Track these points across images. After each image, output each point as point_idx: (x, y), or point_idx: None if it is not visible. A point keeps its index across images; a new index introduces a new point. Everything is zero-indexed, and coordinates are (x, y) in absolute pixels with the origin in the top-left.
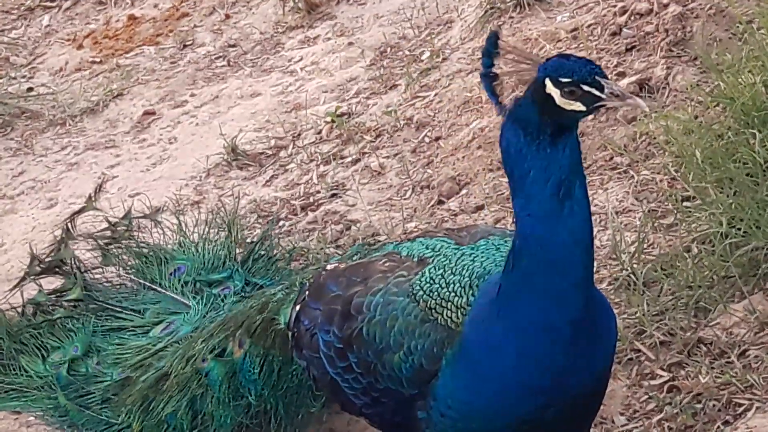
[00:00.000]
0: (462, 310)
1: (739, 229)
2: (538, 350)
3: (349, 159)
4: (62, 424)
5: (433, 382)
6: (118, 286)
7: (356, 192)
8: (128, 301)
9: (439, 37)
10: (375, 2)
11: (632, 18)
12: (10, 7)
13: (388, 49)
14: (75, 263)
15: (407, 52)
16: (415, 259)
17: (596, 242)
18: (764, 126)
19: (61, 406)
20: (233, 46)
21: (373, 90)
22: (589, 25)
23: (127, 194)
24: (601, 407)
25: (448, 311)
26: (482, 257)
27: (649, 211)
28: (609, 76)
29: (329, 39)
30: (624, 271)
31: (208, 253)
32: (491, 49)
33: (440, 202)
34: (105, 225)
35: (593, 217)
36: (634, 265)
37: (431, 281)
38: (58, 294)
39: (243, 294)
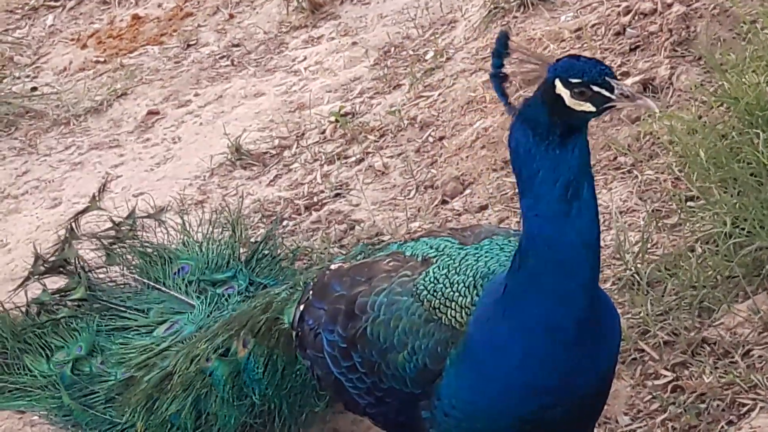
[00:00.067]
0: (466, 309)
1: (743, 229)
2: (543, 350)
3: (353, 159)
4: (66, 424)
5: (437, 381)
6: (122, 286)
7: (360, 192)
8: (132, 301)
9: (443, 37)
10: (379, 2)
11: (636, 18)
12: (15, 7)
13: (392, 49)
14: (79, 263)
15: (411, 52)
16: (419, 259)
17: (601, 242)
18: None
19: (65, 405)
20: (237, 45)
21: (377, 90)
22: (593, 25)
23: (131, 194)
24: (605, 407)
25: (453, 311)
26: (486, 257)
27: (652, 210)
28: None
29: (333, 39)
30: (628, 271)
31: (212, 252)
32: (501, 49)
33: (444, 202)
34: (109, 225)
35: None
36: (638, 265)
37: (435, 281)
38: (62, 293)
39: (247, 293)
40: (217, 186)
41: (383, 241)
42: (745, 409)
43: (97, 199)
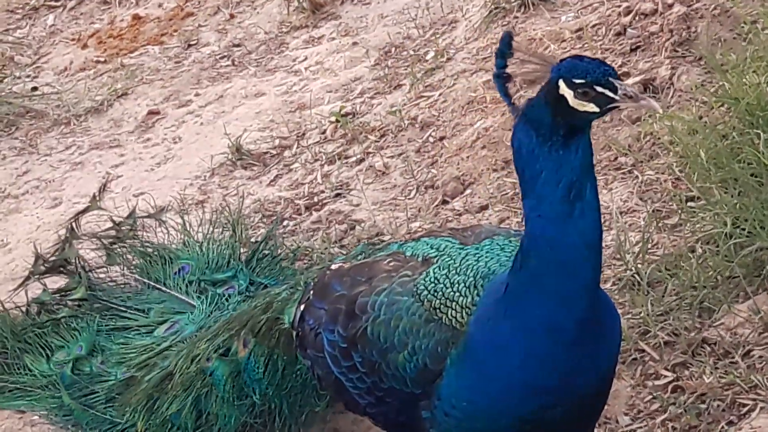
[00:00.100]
0: (467, 310)
1: (744, 230)
2: (543, 350)
3: (354, 159)
4: (66, 424)
5: (437, 381)
6: (123, 286)
7: (360, 192)
8: (132, 301)
9: (444, 37)
10: (379, 2)
11: (637, 18)
12: (15, 7)
13: (393, 49)
14: (79, 262)
15: (412, 52)
16: (420, 259)
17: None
18: None
19: (66, 405)
20: (238, 45)
21: (378, 90)
22: (594, 25)
23: (131, 194)
24: (606, 407)
25: (453, 311)
26: (487, 257)
27: (653, 211)
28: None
29: (334, 39)
30: (628, 272)
31: (213, 252)
32: (505, 49)
33: (444, 202)
34: (109, 224)
35: None
36: (639, 266)
37: (436, 281)
38: (63, 293)
39: (247, 293)
40: (217, 186)
41: (384, 241)
42: (746, 409)
43: (97, 198)
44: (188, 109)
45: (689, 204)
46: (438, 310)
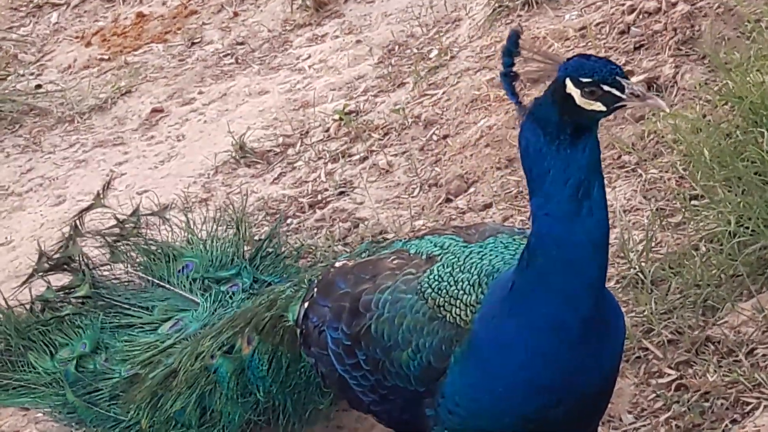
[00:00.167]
0: (471, 307)
1: (747, 228)
2: (548, 348)
3: (357, 157)
4: (70, 421)
5: (441, 379)
6: (127, 283)
7: (364, 190)
8: (136, 298)
9: (447, 35)
10: (383, 0)
11: (640, 17)
12: (19, 5)
13: (396, 47)
14: (83, 260)
15: (415, 50)
16: (424, 257)
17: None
18: None
19: (70, 402)
20: (241, 43)
21: (381, 88)
22: (598, 24)
23: (135, 191)
24: (609, 405)
25: (457, 309)
26: (491, 255)
27: (657, 209)
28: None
29: (337, 37)
30: (632, 270)
31: (217, 250)
32: (512, 48)
33: (448, 200)
34: (113, 222)
35: None
36: (642, 264)
37: (440, 279)
38: (67, 291)
39: (251, 291)
40: (221, 184)
41: (387, 239)
42: (749, 407)
43: (101, 196)
44: (192, 107)
45: (693, 202)
46: (442, 308)
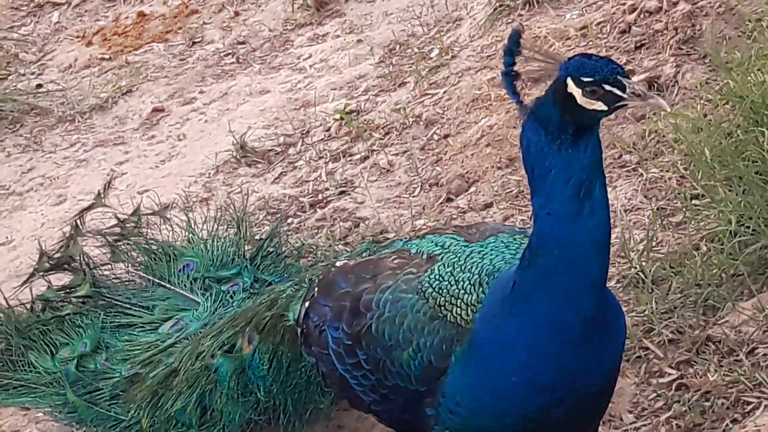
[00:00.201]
0: (472, 307)
1: (748, 228)
2: (549, 348)
3: (358, 156)
4: (71, 421)
5: (442, 379)
6: (127, 283)
7: (365, 189)
8: (137, 298)
9: (448, 34)
10: (384, 0)
11: (641, 16)
12: (20, 4)
13: (397, 47)
14: (84, 260)
15: (416, 50)
16: (425, 257)
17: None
18: None
19: (70, 402)
20: (242, 43)
21: (382, 87)
22: (599, 23)
23: (135, 191)
24: (610, 405)
25: (458, 308)
26: (491, 255)
27: (657, 209)
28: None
29: (338, 36)
30: (633, 269)
31: (217, 249)
32: (513, 47)
33: (449, 200)
34: (114, 222)
35: None
36: (643, 263)
37: (440, 278)
38: (67, 290)
39: (252, 290)
40: (222, 183)
41: (388, 238)
42: (750, 407)
43: (102, 196)
44: (193, 106)
45: (694, 202)
46: (443, 308)
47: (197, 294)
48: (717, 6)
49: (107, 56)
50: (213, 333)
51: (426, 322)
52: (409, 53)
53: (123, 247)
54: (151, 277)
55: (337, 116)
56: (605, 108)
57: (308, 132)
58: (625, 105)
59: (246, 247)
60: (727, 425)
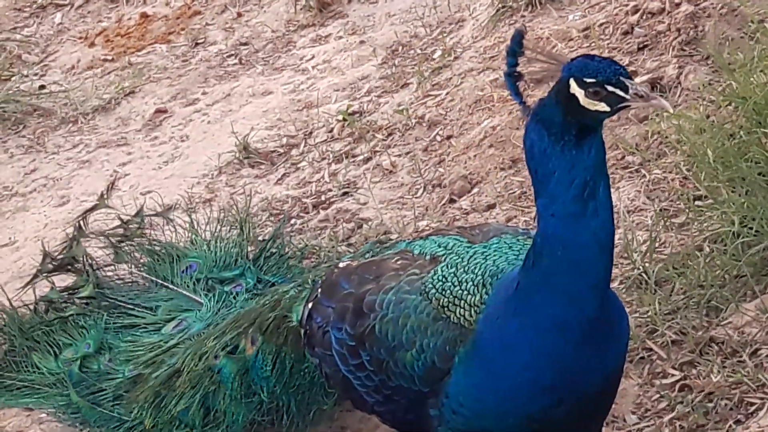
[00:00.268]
0: (475, 308)
1: (751, 229)
2: (553, 348)
3: (361, 157)
4: (74, 421)
5: (445, 379)
6: (130, 284)
7: (368, 190)
8: (140, 299)
9: (451, 35)
10: (387, 1)
11: (644, 17)
12: (23, 5)
13: (400, 48)
14: (87, 261)
15: (419, 51)
16: (428, 258)
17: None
18: None
19: (73, 403)
20: (245, 44)
21: (385, 88)
22: (601, 24)
23: (139, 192)
24: (613, 406)
25: (461, 309)
26: (495, 255)
27: (660, 210)
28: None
29: (341, 37)
30: (636, 270)
31: (220, 250)
32: (516, 48)
33: (452, 201)
34: (117, 223)
35: None
36: (646, 264)
37: (444, 279)
38: (71, 291)
39: (255, 291)
40: (225, 184)
41: (391, 239)
42: (753, 408)
43: (105, 197)
44: (195, 107)
45: (697, 203)
46: (446, 309)
47: (200, 295)
48: (720, 7)
49: (110, 57)
50: (216, 334)
51: (429, 323)
52: (412, 54)
53: (126, 248)
54: (154, 278)
55: (340, 117)
56: (608, 109)
57: (311, 133)
58: (628, 106)
59: (249, 248)
60: (730, 426)
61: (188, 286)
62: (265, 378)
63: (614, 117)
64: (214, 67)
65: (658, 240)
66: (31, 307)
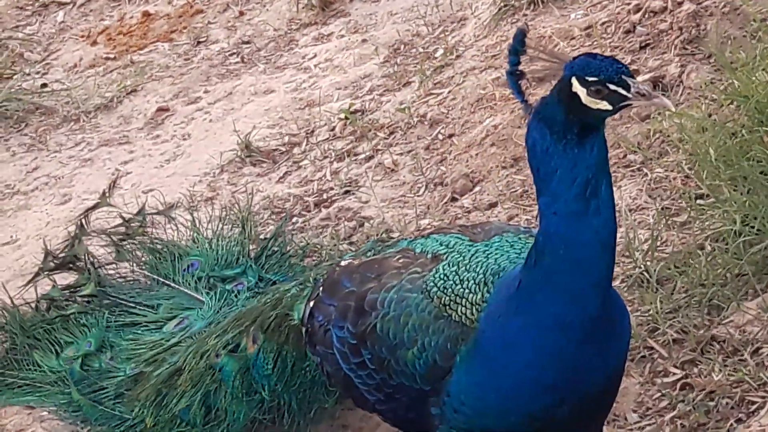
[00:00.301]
0: (477, 306)
1: (753, 227)
2: (554, 347)
3: (363, 156)
4: (75, 420)
5: (446, 378)
6: (132, 282)
7: (369, 189)
8: (142, 297)
9: (453, 34)
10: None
11: (646, 16)
12: (25, 3)
13: (402, 47)
14: (89, 259)
15: (421, 50)
16: (429, 256)
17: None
18: None
19: (75, 401)
20: (247, 42)
21: (387, 87)
22: (603, 23)
23: (140, 190)
24: (615, 404)
25: (463, 308)
26: (496, 254)
27: (662, 208)
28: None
29: (343, 36)
30: (637, 269)
31: (222, 249)
32: (518, 46)
33: (453, 199)
34: (119, 221)
35: None
36: (648, 263)
37: (445, 278)
38: (72, 289)
39: (256, 290)
40: (226, 183)
41: (393, 238)
42: (755, 406)
43: (107, 195)
44: (197, 106)
45: (698, 201)
46: (448, 307)
47: (202, 293)
48: (722, 6)
49: (112, 56)
50: (217, 332)
51: (431, 322)
52: (414, 53)
53: (128, 246)
54: (155, 276)
55: (342, 116)
56: (610, 108)
57: (313, 132)
58: (630, 105)
59: (251, 247)
60: (731, 425)
61: (190, 285)
62: (266, 376)
63: (616, 115)
64: (216, 65)
65: (659, 238)
66: (33, 305)
